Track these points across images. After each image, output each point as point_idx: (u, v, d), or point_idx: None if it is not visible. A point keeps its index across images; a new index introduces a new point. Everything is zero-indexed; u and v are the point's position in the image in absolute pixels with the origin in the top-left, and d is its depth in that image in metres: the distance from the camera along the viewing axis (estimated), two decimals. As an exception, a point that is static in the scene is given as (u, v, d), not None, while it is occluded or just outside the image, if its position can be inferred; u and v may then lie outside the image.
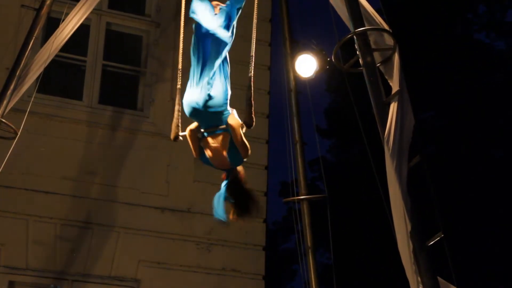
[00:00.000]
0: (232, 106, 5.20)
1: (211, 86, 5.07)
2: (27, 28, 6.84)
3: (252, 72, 5.23)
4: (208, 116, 5.14)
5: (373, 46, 5.77)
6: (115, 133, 8.73)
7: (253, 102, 5.13)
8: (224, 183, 5.26)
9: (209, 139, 5.20)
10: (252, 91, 5.15)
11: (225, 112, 5.13)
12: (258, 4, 5.44)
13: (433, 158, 16.96)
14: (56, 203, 8.26)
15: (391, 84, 5.66)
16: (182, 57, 5.44)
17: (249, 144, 5.17)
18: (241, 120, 5.12)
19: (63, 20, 6.68)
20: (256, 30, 5.36)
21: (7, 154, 6.36)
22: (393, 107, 5.46)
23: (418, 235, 5.13)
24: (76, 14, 6.68)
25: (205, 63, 5.15)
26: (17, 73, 6.50)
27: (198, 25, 5.27)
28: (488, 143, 18.22)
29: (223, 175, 5.32)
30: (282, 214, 22.59)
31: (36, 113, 7.99)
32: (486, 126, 18.18)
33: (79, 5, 6.74)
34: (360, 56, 5.71)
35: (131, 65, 9.20)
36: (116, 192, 8.53)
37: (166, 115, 8.65)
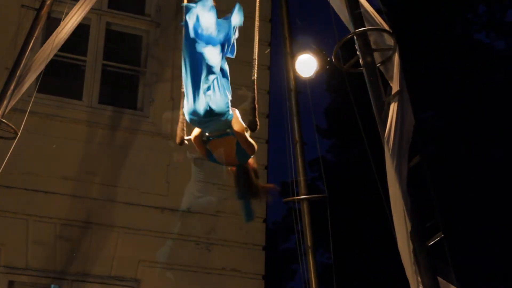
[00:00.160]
0: (232, 106, 5.20)
1: (210, 97, 5.01)
2: (27, 28, 6.84)
3: (255, 76, 5.23)
4: (210, 124, 5.15)
5: (373, 46, 5.78)
6: (115, 133, 8.73)
7: (256, 105, 5.15)
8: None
9: (215, 142, 5.23)
10: (256, 95, 5.15)
11: (228, 117, 5.14)
12: (258, 4, 5.44)
13: (433, 158, 16.92)
14: (56, 203, 8.25)
15: (391, 84, 5.66)
16: (183, 57, 5.42)
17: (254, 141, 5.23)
18: (245, 123, 5.14)
19: (63, 20, 6.68)
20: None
21: (7, 154, 6.37)
22: (393, 107, 5.46)
23: (418, 235, 5.14)
24: (75, 13, 6.68)
25: (196, 71, 5.00)
26: (17, 73, 6.50)
27: (187, 30, 5.09)
28: (488, 143, 18.20)
29: (232, 168, 5.40)
30: (282, 214, 22.56)
31: (36, 113, 7.98)
32: (486, 126, 18.15)
33: (79, 4, 6.74)
34: (360, 56, 5.72)
35: (131, 65, 9.19)
36: (116, 192, 8.52)
37: (166, 115, 8.65)
